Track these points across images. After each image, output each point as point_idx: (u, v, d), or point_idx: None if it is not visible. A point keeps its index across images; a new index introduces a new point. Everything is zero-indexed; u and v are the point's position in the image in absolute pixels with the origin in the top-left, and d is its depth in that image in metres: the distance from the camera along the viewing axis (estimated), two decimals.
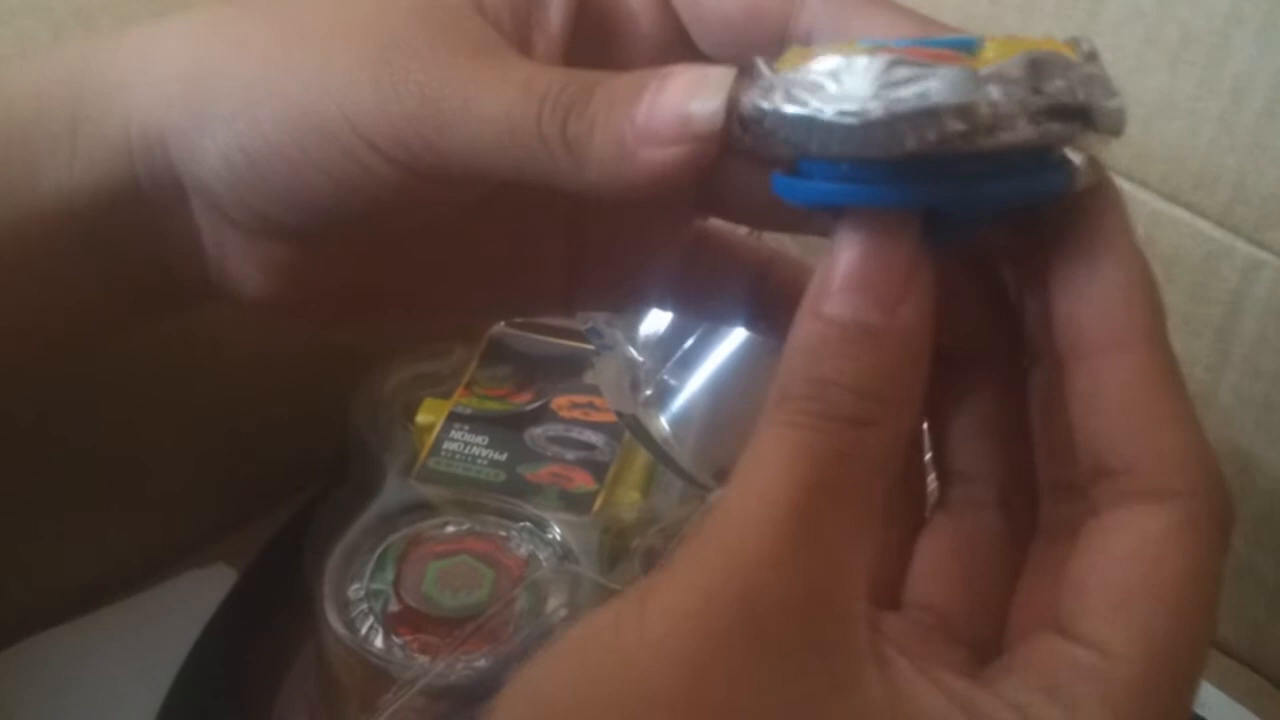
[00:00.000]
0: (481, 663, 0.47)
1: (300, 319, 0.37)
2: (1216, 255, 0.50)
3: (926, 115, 0.24)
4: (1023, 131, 0.24)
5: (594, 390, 0.58)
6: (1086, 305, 0.26)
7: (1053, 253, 0.27)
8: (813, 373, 0.25)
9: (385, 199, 0.31)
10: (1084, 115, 0.25)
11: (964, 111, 0.24)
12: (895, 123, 0.24)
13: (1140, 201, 0.50)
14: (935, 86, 0.24)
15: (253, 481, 0.59)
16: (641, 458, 0.56)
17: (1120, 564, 0.25)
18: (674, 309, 0.42)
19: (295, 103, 0.30)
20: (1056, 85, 0.25)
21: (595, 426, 0.57)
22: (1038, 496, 0.29)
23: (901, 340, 0.25)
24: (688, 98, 0.27)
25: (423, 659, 0.48)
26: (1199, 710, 0.53)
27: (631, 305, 0.48)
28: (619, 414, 0.54)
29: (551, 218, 0.36)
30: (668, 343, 0.53)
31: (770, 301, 0.37)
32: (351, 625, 0.49)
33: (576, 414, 0.58)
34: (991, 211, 0.27)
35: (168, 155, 0.32)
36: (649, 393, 0.53)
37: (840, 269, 0.26)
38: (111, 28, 0.34)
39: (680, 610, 0.24)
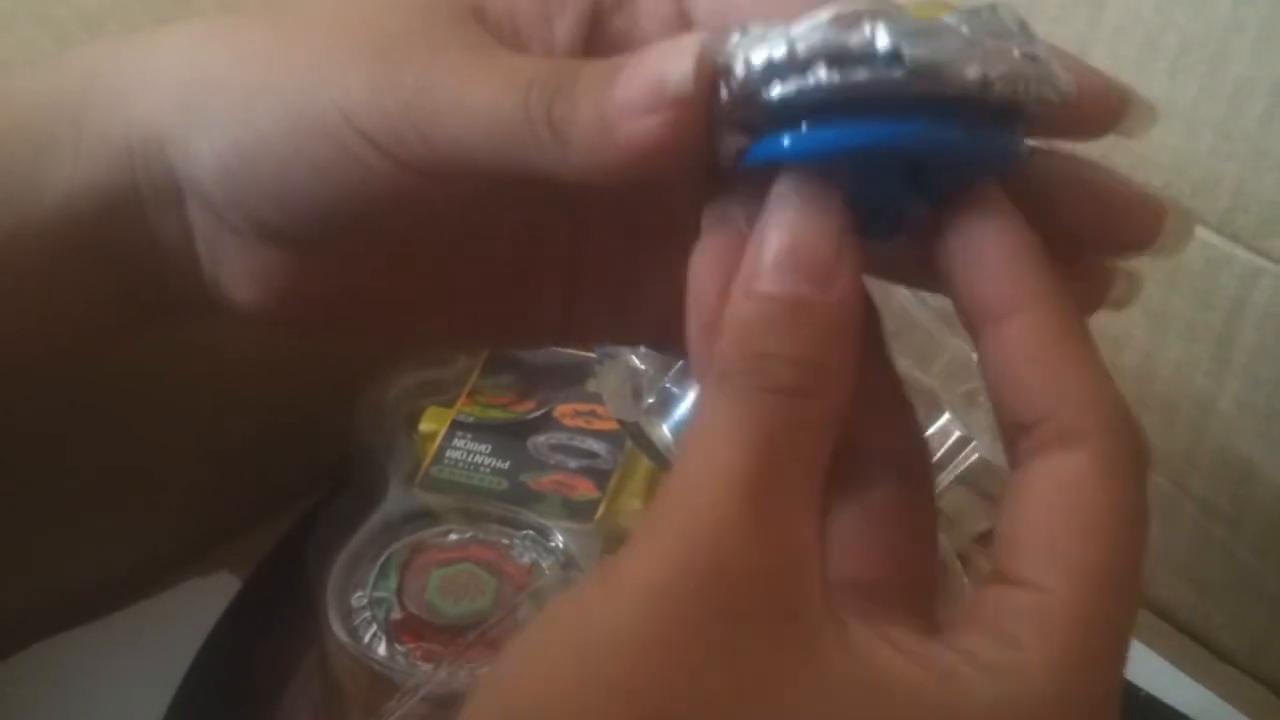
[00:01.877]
0: (484, 671, 0.47)
1: (293, 331, 0.37)
2: (1216, 262, 0.50)
3: (889, 55, 0.25)
4: (971, 73, 0.25)
5: (596, 398, 0.58)
6: (978, 275, 0.27)
7: (950, 232, 0.28)
8: (749, 348, 0.26)
9: (377, 196, 0.31)
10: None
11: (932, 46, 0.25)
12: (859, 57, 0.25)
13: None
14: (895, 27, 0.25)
15: (256, 489, 0.59)
16: (644, 466, 0.56)
17: (1045, 508, 0.26)
18: (671, 351, 0.42)
19: (290, 98, 0.31)
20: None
21: (598, 435, 0.57)
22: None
23: (835, 313, 0.26)
24: (659, 63, 0.27)
25: (426, 667, 0.48)
26: (1201, 719, 0.53)
27: (628, 341, 0.48)
28: (621, 422, 0.54)
29: (549, 240, 0.36)
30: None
31: None
32: (354, 633, 0.49)
33: (579, 422, 0.58)
34: (936, 179, 0.28)
35: (165, 158, 0.32)
36: (651, 401, 0.53)
37: (771, 247, 0.27)
38: (116, 34, 0.35)
39: (645, 588, 0.24)
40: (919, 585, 0.29)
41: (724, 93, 0.27)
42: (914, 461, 0.30)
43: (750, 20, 0.27)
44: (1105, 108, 0.29)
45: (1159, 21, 0.48)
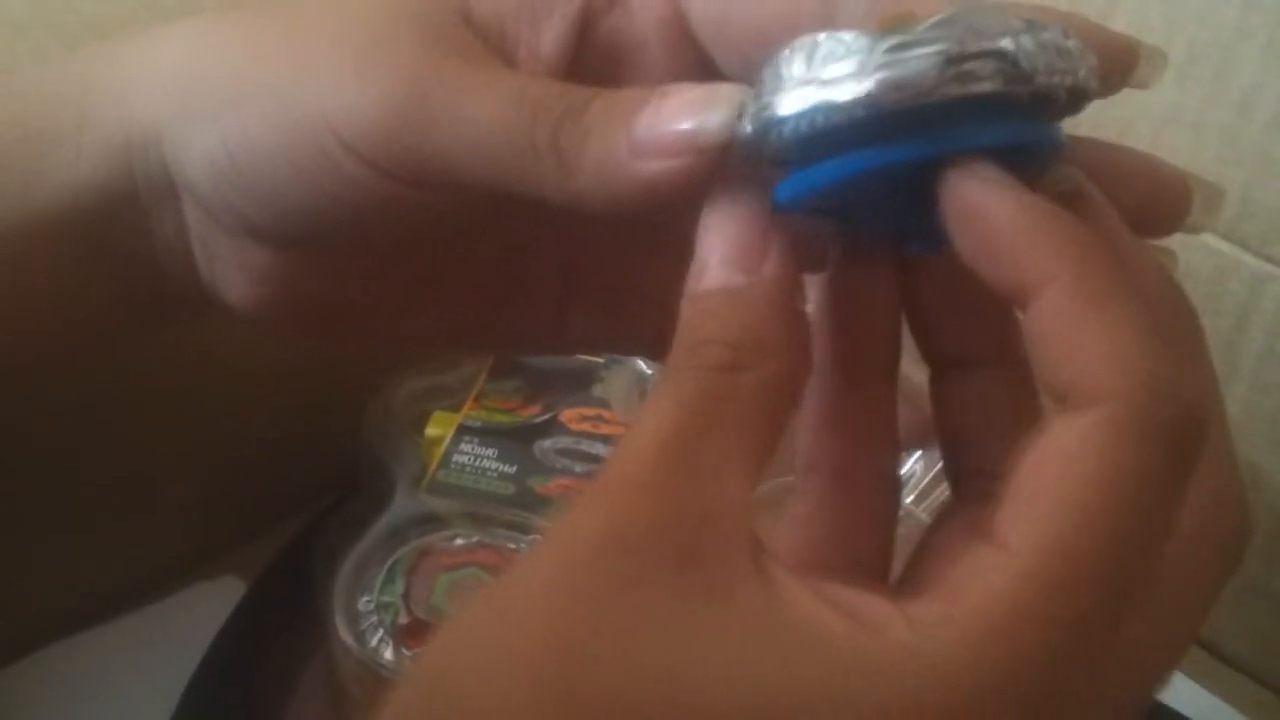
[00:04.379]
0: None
1: (289, 331, 0.36)
2: (1224, 269, 0.50)
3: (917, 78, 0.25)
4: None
5: (603, 403, 0.58)
6: (991, 259, 0.26)
7: (952, 227, 0.27)
8: (689, 340, 0.26)
9: (359, 204, 0.31)
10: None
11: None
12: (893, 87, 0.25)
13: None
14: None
15: (263, 494, 0.59)
16: None
17: (1035, 468, 0.24)
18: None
19: (276, 100, 0.31)
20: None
21: (604, 439, 0.57)
22: None
23: (767, 293, 0.27)
24: (699, 110, 0.27)
25: None
26: None
27: (623, 351, 0.48)
28: (627, 427, 0.54)
29: (542, 247, 0.36)
30: None
31: None
32: (361, 637, 0.49)
33: (585, 426, 0.58)
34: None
35: (161, 154, 0.32)
36: None
37: (702, 252, 0.27)
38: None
39: (553, 551, 0.24)
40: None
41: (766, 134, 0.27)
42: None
43: (702, 29, 0.28)
44: (1117, 61, 0.29)
45: (1166, 30, 0.48)
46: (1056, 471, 0.23)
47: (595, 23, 0.32)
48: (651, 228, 0.34)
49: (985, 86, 0.25)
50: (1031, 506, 0.23)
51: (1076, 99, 0.27)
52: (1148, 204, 0.30)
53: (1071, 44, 0.26)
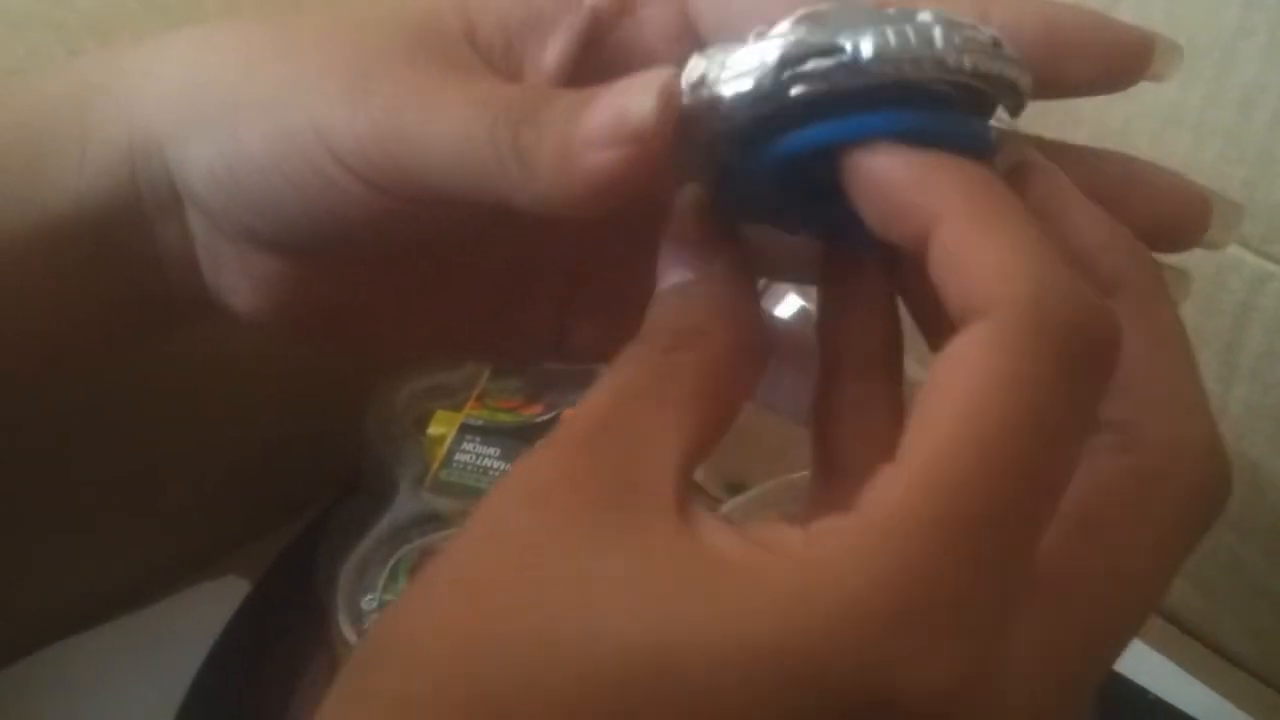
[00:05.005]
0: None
1: (293, 337, 0.37)
2: (1225, 268, 0.50)
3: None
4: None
5: None
6: (880, 204, 0.26)
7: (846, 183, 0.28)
8: (646, 330, 0.28)
9: (353, 217, 0.31)
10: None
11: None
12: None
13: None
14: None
15: (266, 494, 0.59)
16: None
17: (929, 388, 0.24)
18: None
19: (269, 111, 0.31)
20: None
21: None
22: None
23: (711, 287, 0.28)
24: (623, 97, 0.27)
25: None
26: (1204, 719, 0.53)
27: None
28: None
29: (545, 256, 0.36)
30: None
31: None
32: (365, 636, 0.49)
33: None
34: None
35: (164, 162, 0.32)
36: None
37: (662, 258, 0.29)
38: (124, 40, 0.35)
39: (482, 508, 0.25)
40: None
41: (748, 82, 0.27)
42: None
43: (713, 39, 0.28)
44: (1131, 54, 0.30)
45: (1168, 27, 0.48)
46: (943, 383, 0.23)
47: (602, 37, 0.33)
48: (651, 237, 0.34)
49: (819, 86, 0.26)
50: (920, 420, 0.23)
51: (981, 91, 0.27)
52: (1165, 217, 0.30)
53: (965, 36, 0.26)
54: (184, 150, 0.32)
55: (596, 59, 0.32)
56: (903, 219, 0.26)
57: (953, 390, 0.23)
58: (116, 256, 0.34)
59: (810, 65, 0.26)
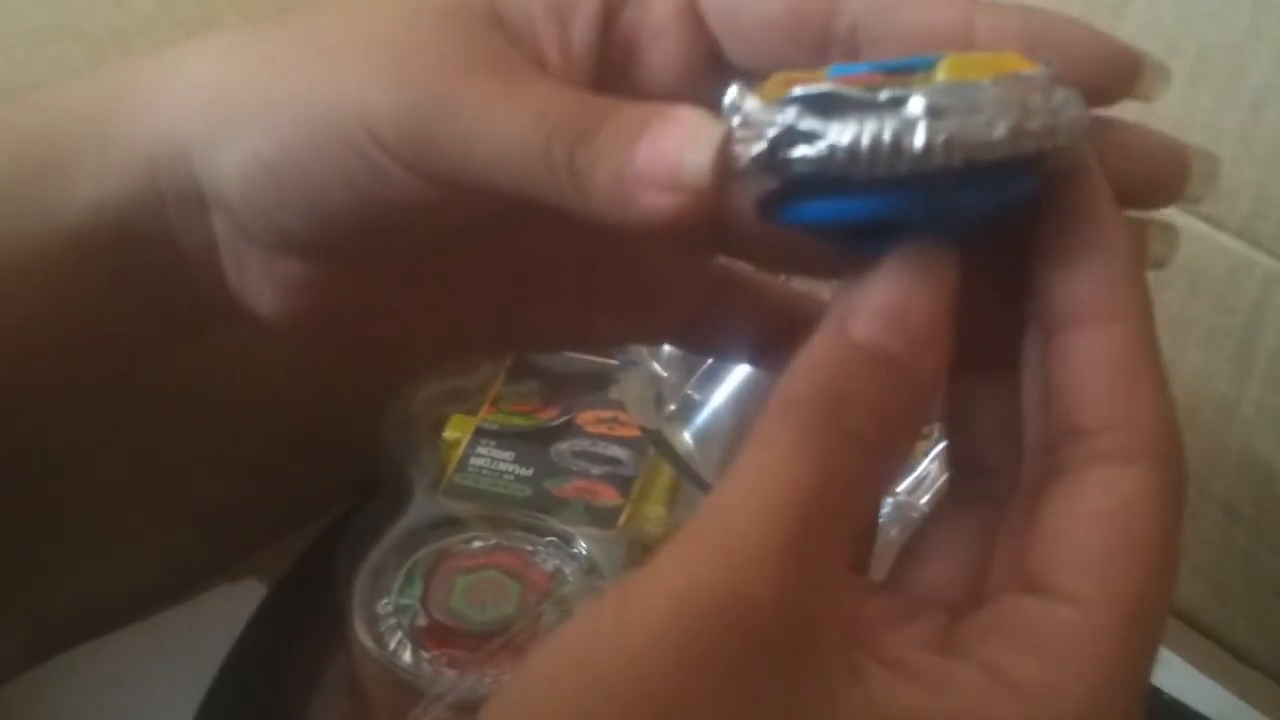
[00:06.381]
0: (508, 677, 0.47)
1: (317, 339, 0.37)
2: (1237, 268, 0.50)
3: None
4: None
5: (619, 405, 0.58)
6: (1070, 276, 0.27)
7: (1041, 232, 0.28)
8: (831, 387, 0.25)
9: (401, 203, 0.31)
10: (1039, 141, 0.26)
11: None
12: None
13: (1161, 215, 0.51)
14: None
15: (284, 497, 0.60)
16: (666, 472, 0.56)
17: (1099, 521, 0.26)
18: (691, 349, 0.42)
19: (312, 109, 0.31)
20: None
21: (620, 441, 0.57)
22: None
23: (922, 382, 0.26)
24: (681, 146, 0.27)
25: (451, 673, 0.48)
26: None
27: (648, 342, 0.48)
28: (643, 429, 0.54)
29: (567, 246, 0.36)
30: (692, 358, 0.53)
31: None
32: (380, 640, 0.49)
33: (602, 429, 0.58)
34: (967, 221, 0.27)
35: (190, 168, 0.33)
36: (673, 408, 0.53)
37: (877, 294, 0.26)
38: (146, 50, 0.35)
39: (669, 606, 0.23)
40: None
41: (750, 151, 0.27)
42: None
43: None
44: (1119, 73, 0.29)
45: (1178, 30, 0.48)
46: (1120, 530, 0.25)
47: (614, 16, 0.33)
48: None
49: (804, 168, 0.26)
50: (1103, 565, 0.25)
51: (1008, 157, 0.26)
52: (1147, 177, 0.30)
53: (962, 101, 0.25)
54: (214, 155, 0.32)
55: (607, 41, 0.33)
56: (1069, 288, 0.27)
57: (1139, 545, 0.25)
58: (139, 263, 0.34)
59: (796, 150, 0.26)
